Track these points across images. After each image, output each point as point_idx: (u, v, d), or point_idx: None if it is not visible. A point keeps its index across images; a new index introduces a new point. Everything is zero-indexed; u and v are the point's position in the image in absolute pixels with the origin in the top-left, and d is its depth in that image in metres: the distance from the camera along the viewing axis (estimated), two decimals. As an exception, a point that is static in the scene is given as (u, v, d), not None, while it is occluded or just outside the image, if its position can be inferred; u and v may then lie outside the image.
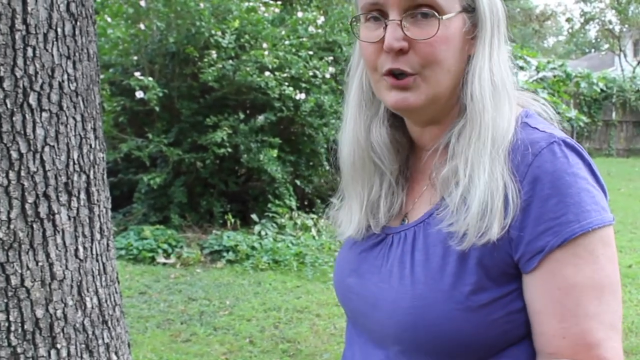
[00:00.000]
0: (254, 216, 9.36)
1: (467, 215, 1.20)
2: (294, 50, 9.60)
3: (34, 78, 2.36)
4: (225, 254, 8.33)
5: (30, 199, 2.36)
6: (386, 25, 1.23)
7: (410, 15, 1.22)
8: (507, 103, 1.25)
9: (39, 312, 2.40)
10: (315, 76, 9.50)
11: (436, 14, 1.21)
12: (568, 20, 43.13)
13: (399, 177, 1.41)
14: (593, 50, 57.10)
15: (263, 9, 9.94)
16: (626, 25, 35.84)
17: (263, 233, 8.98)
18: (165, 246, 8.37)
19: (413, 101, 1.25)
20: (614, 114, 25.37)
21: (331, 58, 9.92)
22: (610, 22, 37.54)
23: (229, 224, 9.21)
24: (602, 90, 23.36)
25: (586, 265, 1.15)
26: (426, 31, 1.22)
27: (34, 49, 2.36)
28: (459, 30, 1.25)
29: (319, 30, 10.02)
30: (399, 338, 1.26)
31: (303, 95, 9.27)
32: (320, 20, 10.12)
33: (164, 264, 8.12)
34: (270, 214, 9.36)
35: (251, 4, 9.74)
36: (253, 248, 8.42)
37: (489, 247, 1.19)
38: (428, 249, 1.26)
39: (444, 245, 1.23)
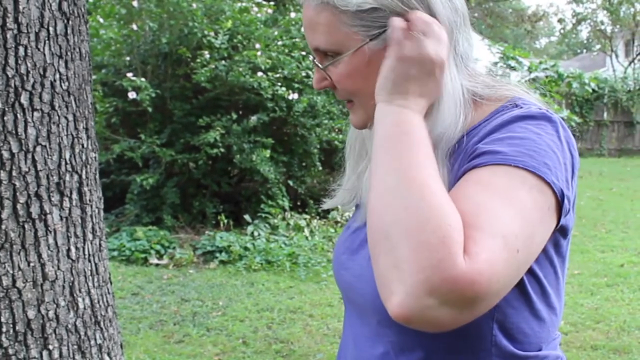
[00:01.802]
0: (246, 217, 9.35)
1: None
2: (286, 50, 9.61)
3: (25, 77, 2.35)
4: (218, 254, 8.32)
5: (22, 199, 2.35)
6: None
7: (325, 59, 1.35)
8: (453, 109, 1.28)
9: (31, 313, 2.39)
10: (308, 76, 9.49)
11: (333, 57, 1.33)
12: (560, 21, 43.24)
13: None
14: (585, 50, 57.29)
15: (256, 9, 9.94)
16: (618, 26, 35.91)
17: (256, 234, 8.97)
18: (157, 247, 8.35)
19: (355, 122, 1.41)
20: (605, 114, 25.43)
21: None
22: (602, 22, 37.62)
23: (221, 225, 9.20)
24: (593, 90, 23.39)
25: (506, 178, 1.12)
26: (333, 71, 1.34)
27: (26, 48, 2.35)
28: (366, 60, 1.30)
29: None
30: (377, 306, 1.25)
31: (296, 96, 9.27)
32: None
33: (157, 264, 8.10)
34: (263, 215, 9.35)
35: (244, 4, 9.74)
36: (246, 249, 8.41)
37: None
38: None
39: None
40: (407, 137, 1.17)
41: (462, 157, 1.24)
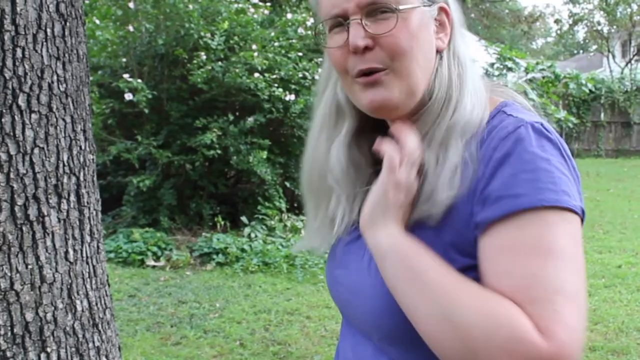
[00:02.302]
0: (243, 218, 9.35)
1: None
2: (283, 51, 9.60)
3: (23, 79, 2.34)
4: (215, 256, 8.31)
5: (20, 201, 2.34)
6: (349, 28, 1.27)
7: (369, 14, 1.26)
8: (469, 96, 1.29)
9: (29, 316, 2.38)
10: (304, 77, 9.50)
11: (394, 8, 1.25)
12: (556, 21, 43.32)
13: (356, 195, 1.42)
14: (581, 51, 57.38)
15: (252, 10, 9.94)
16: (614, 26, 35.98)
17: (253, 235, 8.97)
18: (154, 249, 8.35)
19: (387, 97, 1.28)
20: (602, 115, 25.49)
21: (320, 59, 9.90)
22: (598, 23, 37.71)
23: (218, 226, 9.20)
24: (590, 91, 23.43)
25: (534, 229, 1.12)
26: (386, 25, 1.25)
27: (23, 50, 2.34)
28: (419, 22, 1.28)
29: (309, 32, 10.02)
30: (376, 324, 1.27)
31: (293, 97, 9.27)
32: (310, 21, 10.12)
33: (154, 266, 8.09)
34: (260, 216, 9.35)
35: (240, 5, 9.74)
36: (243, 250, 8.41)
37: (458, 230, 1.20)
38: None
39: (417, 230, 1.25)
40: (418, 260, 1.19)
41: (473, 175, 1.21)
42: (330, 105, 1.43)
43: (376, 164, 1.41)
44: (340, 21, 1.29)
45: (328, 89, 1.44)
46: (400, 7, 1.25)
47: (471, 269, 1.19)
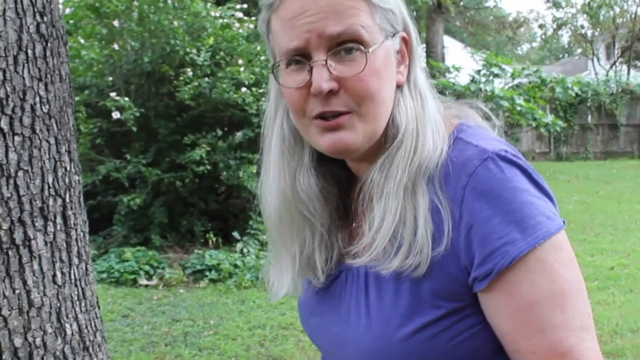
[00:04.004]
0: (235, 234, 9.32)
1: (393, 256, 1.19)
2: (269, 65, 9.59)
3: (5, 101, 2.31)
4: (207, 273, 8.28)
5: (5, 226, 2.32)
6: (311, 68, 1.19)
7: (334, 54, 1.18)
8: (430, 131, 1.23)
9: (18, 341, 2.35)
10: (291, 91, 9.49)
11: (361, 47, 1.18)
12: (541, 26, 43.54)
13: (331, 226, 1.35)
14: (566, 55, 57.70)
15: (237, 25, 9.94)
16: (598, 30, 36.18)
17: (245, 250, 8.94)
18: (147, 268, 8.30)
19: (350, 141, 1.21)
20: (589, 118, 25.62)
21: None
22: (582, 26, 37.94)
23: (210, 243, 9.16)
24: (577, 94, 23.50)
25: (540, 277, 1.11)
26: (353, 67, 1.18)
27: (4, 72, 2.32)
28: (384, 60, 1.21)
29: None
30: None
31: (280, 111, 9.25)
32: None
33: (146, 285, 8.05)
34: (252, 231, 9.32)
35: (225, 21, 9.74)
36: (236, 266, 8.37)
37: (442, 278, 1.16)
38: (381, 285, 1.23)
39: (395, 280, 1.20)
40: None
41: (448, 219, 1.16)
42: (286, 134, 1.35)
43: (341, 194, 1.38)
44: (299, 59, 1.21)
45: (278, 117, 1.37)
46: (370, 48, 1.18)
47: (458, 312, 1.17)
